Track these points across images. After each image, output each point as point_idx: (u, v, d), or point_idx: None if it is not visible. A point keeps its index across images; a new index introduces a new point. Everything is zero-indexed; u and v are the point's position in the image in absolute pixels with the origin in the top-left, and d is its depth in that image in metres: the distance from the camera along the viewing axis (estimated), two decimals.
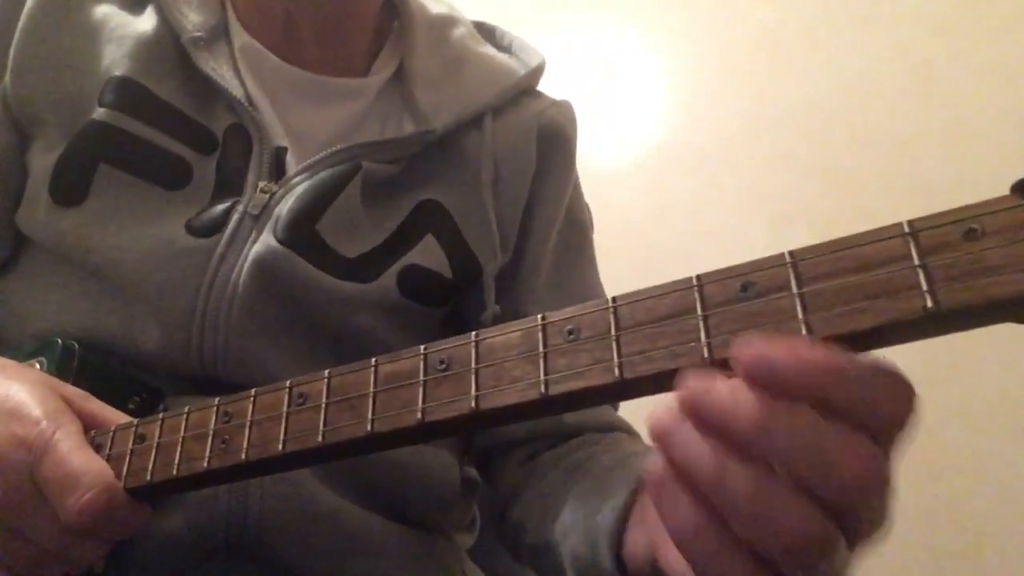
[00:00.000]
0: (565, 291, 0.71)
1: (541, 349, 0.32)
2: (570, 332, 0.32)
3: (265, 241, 0.59)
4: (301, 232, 0.60)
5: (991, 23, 1.53)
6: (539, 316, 0.33)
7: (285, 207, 0.60)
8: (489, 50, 0.74)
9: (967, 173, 1.47)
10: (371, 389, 0.37)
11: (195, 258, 0.58)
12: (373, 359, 0.38)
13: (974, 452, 1.34)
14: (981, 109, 1.49)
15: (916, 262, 0.26)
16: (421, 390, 0.35)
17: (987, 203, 0.26)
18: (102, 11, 0.65)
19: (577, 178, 0.76)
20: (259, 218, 0.60)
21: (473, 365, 0.34)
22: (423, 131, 0.65)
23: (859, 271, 0.26)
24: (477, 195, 0.67)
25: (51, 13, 0.64)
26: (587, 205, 0.79)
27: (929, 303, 0.25)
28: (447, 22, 0.73)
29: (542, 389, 0.31)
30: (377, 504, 0.61)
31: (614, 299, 0.31)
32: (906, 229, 0.27)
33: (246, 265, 0.58)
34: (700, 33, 1.79)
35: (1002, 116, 1.47)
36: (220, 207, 0.60)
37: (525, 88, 0.73)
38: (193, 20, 0.64)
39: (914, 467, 1.39)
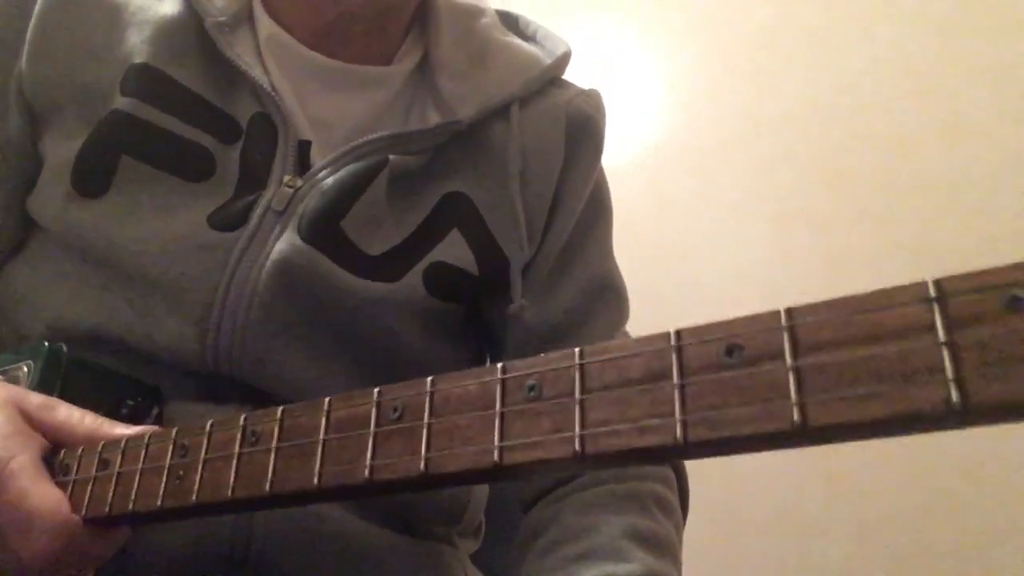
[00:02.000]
0: (570, 273, 0.69)
1: (498, 408, 0.29)
2: (531, 388, 0.28)
3: (289, 239, 0.58)
4: (326, 230, 0.59)
5: (991, 23, 1.53)
6: (499, 367, 0.30)
7: (310, 204, 0.59)
8: (514, 40, 0.72)
9: (967, 173, 1.47)
10: (321, 436, 0.35)
11: (216, 253, 0.57)
12: (327, 400, 0.36)
13: (974, 452, 1.34)
14: (981, 109, 1.49)
15: (941, 338, 0.20)
16: (371, 442, 0.33)
17: None
18: None
19: (601, 166, 0.74)
20: (283, 214, 0.59)
21: (426, 419, 0.31)
22: (450, 121, 0.64)
23: (869, 343, 0.21)
24: (504, 187, 0.65)
25: None
26: (609, 190, 0.77)
27: (954, 396, 0.20)
28: (472, 11, 0.71)
29: (495, 457, 0.28)
30: (385, 519, 0.61)
31: (582, 352, 0.28)
32: (931, 292, 0.21)
33: (268, 263, 0.57)
34: (700, 32, 1.78)
35: (1002, 116, 1.47)
36: (243, 201, 0.59)
37: (551, 77, 0.71)
38: (217, 4, 0.63)
39: (914, 467, 1.39)
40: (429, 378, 0.32)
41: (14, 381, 0.52)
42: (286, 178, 0.60)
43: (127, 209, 0.58)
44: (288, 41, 0.64)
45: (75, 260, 0.59)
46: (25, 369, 0.53)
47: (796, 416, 0.22)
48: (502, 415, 0.29)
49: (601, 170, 0.74)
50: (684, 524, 0.65)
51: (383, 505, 0.61)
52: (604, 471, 0.62)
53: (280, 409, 0.38)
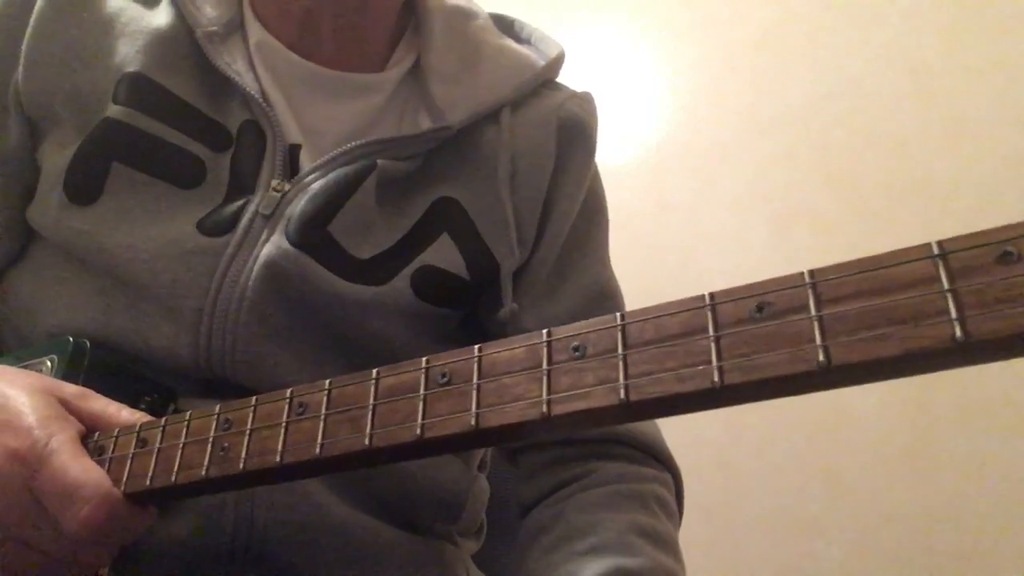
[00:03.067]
0: (568, 279, 0.70)
1: (545, 366, 0.31)
2: (575, 349, 0.31)
3: (276, 243, 0.58)
4: (313, 233, 0.59)
5: (991, 23, 1.53)
6: (545, 332, 0.32)
7: (297, 207, 0.59)
8: (507, 42, 0.72)
9: (967, 173, 1.47)
10: (371, 402, 0.37)
11: (205, 258, 0.57)
12: (375, 370, 0.37)
13: (974, 452, 1.34)
14: (981, 109, 1.49)
15: (945, 286, 0.24)
16: (421, 405, 0.34)
17: None
18: (115, 5, 0.64)
19: (596, 168, 0.74)
20: (271, 218, 0.59)
21: (475, 380, 0.33)
22: (439, 127, 0.64)
23: (883, 294, 0.25)
24: (494, 191, 0.65)
25: (63, 7, 0.63)
26: (604, 195, 0.77)
27: (958, 332, 0.23)
28: (465, 14, 0.72)
29: (544, 409, 0.30)
30: (386, 514, 0.61)
31: (622, 316, 0.30)
32: (935, 251, 0.24)
33: (256, 267, 0.57)
34: (700, 33, 1.78)
35: (1002, 116, 1.48)
36: (232, 206, 0.59)
37: (544, 80, 0.71)
38: (208, 14, 0.63)
39: (914, 467, 1.39)
40: (476, 345, 0.34)
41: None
42: (274, 183, 0.60)
43: (119, 216, 0.59)
44: (276, 46, 0.65)
45: (73, 267, 0.60)
46: (48, 363, 0.54)
47: (821, 357, 0.25)
48: (548, 372, 0.31)
49: (596, 174, 0.75)
50: (679, 526, 0.65)
51: (383, 500, 0.61)
52: (606, 473, 0.63)
53: (328, 381, 0.39)
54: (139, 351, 0.57)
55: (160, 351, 0.57)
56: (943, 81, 1.54)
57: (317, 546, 0.57)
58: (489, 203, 0.65)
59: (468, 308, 0.67)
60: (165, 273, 0.57)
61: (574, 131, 0.70)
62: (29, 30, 0.62)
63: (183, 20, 0.63)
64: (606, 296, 0.71)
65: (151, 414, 0.53)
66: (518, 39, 0.75)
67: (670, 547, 0.59)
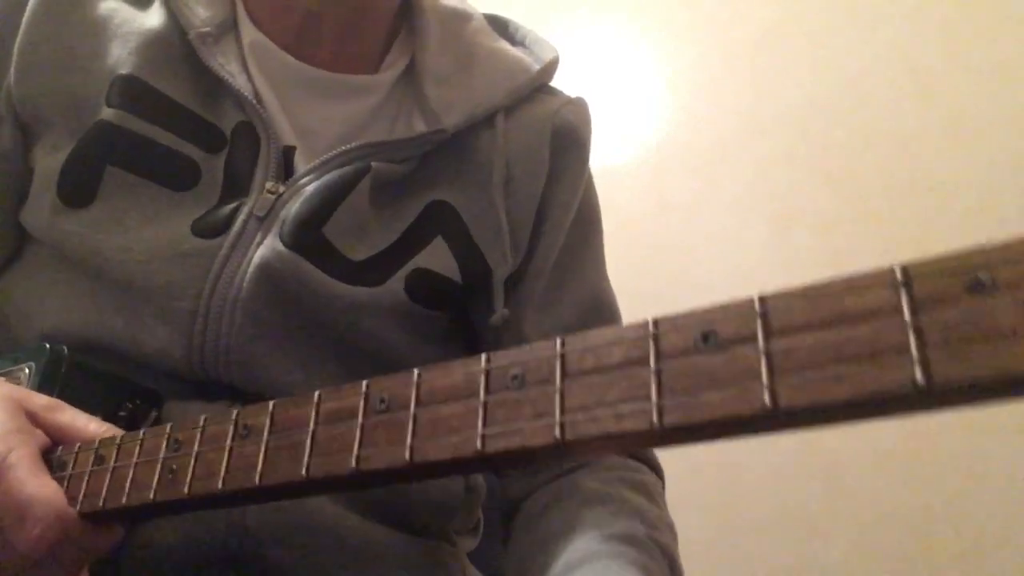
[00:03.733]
0: (566, 290, 0.70)
1: (482, 397, 0.29)
2: (514, 378, 0.29)
3: (270, 245, 0.58)
4: (307, 235, 0.59)
5: (991, 23, 1.53)
6: (483, 357, 0.31)
7: (292, 209, 0.59)
8: (502, 45, 0.72)
9: (967, 173, 1.47)
10: (310, 427, 0.35)
11: (199, 259, 0.57)
12: (317, 392, 0.36)
13: (974, 452, 1.34)
14: (981, 109, 1.49)
15: (907, 319, 0.20)
16: (359, 432, 0.33)
17: (1003, 247, 0.20)
18: (107, 7, 0.63)
19: (590, 176, 0.74)
20: (265, 220, 0.59)
21: (412, 409, 0.31)
22: (434, 131, 0.64)
23: (839, 325, 0.21)
24: (488, 196, 0.65)
25: (55, 9, 0.62)
26: (598, 204, 0.77)
27: (918, 375, 0.20)
28: (460, 16, 0.71)
29: (478, 446, 0.29)
30: (379, 514, 0.61)
31: (563, 341, 0.28)
32: (898, 276, 0.21)
33: (250, 269, 0.57)
34: (700, 33, 1.78)
35: (1002, 116, 1.47)
36: (226, 208, 0.59)
37: (539, 84, 0.71)
38: (201, 15, 0.63)
39: (914, 467, 1.39)
40: (416, 369, 0.32)
41: (15, 383, 0.53)
42: (268, 184, 0.60)
43: (113, 218, 0.59)
44: (270, 47, 0.65)
45: (67, 270, 0.60)
46: (27, 371, 0.53)
47: (767, 399, 0.22)
48: (485, 404, 0.29)
49: (590, 182, 0.74)
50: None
51: (377, 501, 0.61)
52: (597, 465, 0.63)
53: (272, 403, 0.38)
54: (132, 353, 0.57)
55: (154, 353, 0.57)
56: (943, 81, 1.54)
57: (309, 548, 0.57)
58: (483, 208, 0.65)
59: (458, 311, 0.67)
60: (159, 274, 0.57)
61: (568, 139, 0.70)
62: (21, 32, 0.62)
63: (176, 21, 0.63)
64: (602, 307, 0.71)
65: (131, 421, 0.53)
66: (512, 41, 0.75)
67: (669, 530, 0.59)
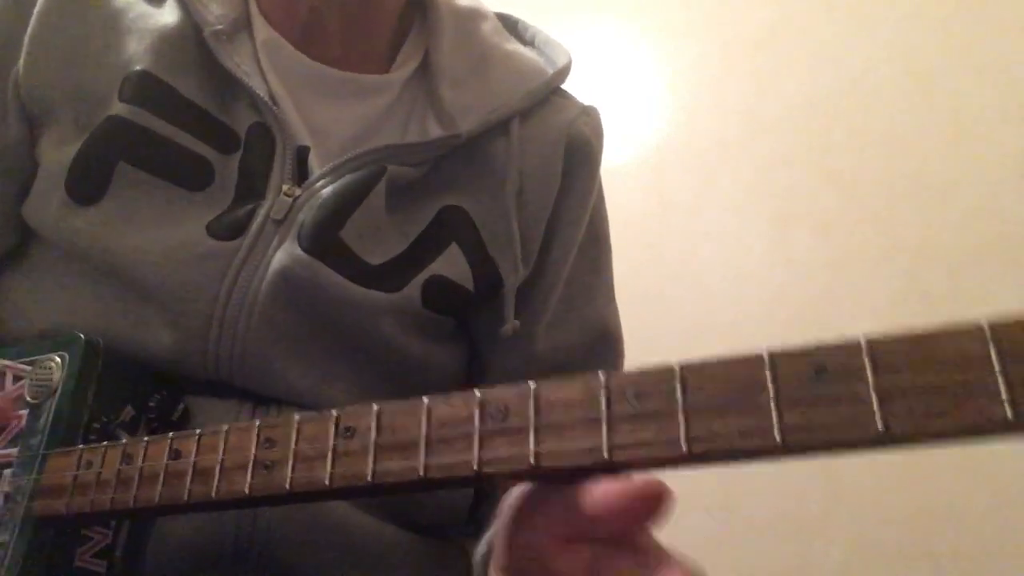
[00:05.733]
0: (575, 312, 0.69)
1: (604, 410, 0.31)
2: (636, 396, 0.31)
3: (289, 250, 0.57)
4: (326, 240, 0.58)
5: (991, 23, 1.53)
6: (601, 374, 0.32)
7: (309, 213, 0.59)
8: (516, 47, 0.71)
9: (967, 173, 1.47)
10: (422, 432, 0.35)
11: (215, 262, 0.57)
12: (425, 398, 0.36)
13: (974, 453, 1.34)
14: (981, 109, 1.49)
15: (997, 368, 0.25)
16: (477, 439, 0.34)
17: None
18: (121, 1, 0.63)
19: (600, 189, 0.74)
20: (282, 223, 0.58)
21: (531, 419, 0.33)
22: (450, 135, 0.63)
23: (938, 369, 0.26)
24: (501, 204, 0.65)
25: (67, 1, 0.62)
26: (607, 217, 0.77)
27: (1009, 414, 0.25)
28: (474, 15, 0.70)
29: (605, 455, 0.31)
30: (389, 514, 0.61)
31: (681, 366, 0.31)
32: (987, 333, 0.26)
33: (268, 274, 0.57)
34: (700, 33, 1.78)
35: (1002, 116, 1.47)
36: (241, 210, 0.59)
37: (553, 88, 0.71)
38: (215, 12, 0.62)
39: (914, 468, 1.39)
40: (531, 382, 0.34)
41: (45, 371, 0.52)
42: (285, 187, 0.60)
43: (124, 216, 0.58)
44: (283, 45, 0.64)
45: (71, 268, 0.59)
46: (58, 359, 0.53)
47: (880, 425, 0.26)
48: (608, 419, 0.32)
49: (600, 195, 0.74)
50: None
51: (387, 500, 0.60)
52: None
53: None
54: (136, 356, 0.56)
55: (160, 356, 0.56)
56: (943, 81, 1.54)
57: (319, 546, 0.56)
58: (495, 216, 0.65)
59: (464, 317, 0.67)
60: (174, 276, 0.56)
61: (581, 153, 0.69)
62: (31, 23, 0.61)
63: (190, 18, 0.62)
64: (609, 334, 0.71)
65: (160, 413, 0.53)
66: (522, 41, 0.74)
67: None
